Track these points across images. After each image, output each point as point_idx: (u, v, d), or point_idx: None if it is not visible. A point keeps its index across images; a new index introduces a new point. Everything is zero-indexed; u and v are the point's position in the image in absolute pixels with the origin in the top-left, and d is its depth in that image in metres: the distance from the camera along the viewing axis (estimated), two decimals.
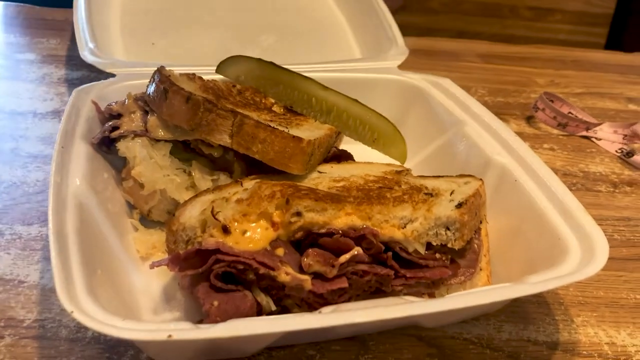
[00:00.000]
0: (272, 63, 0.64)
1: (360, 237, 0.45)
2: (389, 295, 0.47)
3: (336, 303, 0.45)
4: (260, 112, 0.58)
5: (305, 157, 0.52)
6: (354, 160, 0.61)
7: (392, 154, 0.63)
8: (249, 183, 0.50)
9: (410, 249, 0.47)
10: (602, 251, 0.46)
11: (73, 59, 0.89)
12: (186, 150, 0.57)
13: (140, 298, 0.51)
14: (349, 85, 0.67)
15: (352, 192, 0.50)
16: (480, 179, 0.55)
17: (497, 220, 0.55)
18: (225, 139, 0.53)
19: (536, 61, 1.03)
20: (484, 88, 0.93)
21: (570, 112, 0.86)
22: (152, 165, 0.56)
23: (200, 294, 0.43)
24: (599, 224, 0.49)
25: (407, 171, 0.59)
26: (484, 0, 1.69)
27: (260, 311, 0.44)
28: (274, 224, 0.45)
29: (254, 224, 0.45)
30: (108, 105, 0.60)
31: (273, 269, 0.43)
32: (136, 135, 0.57)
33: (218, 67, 0.66)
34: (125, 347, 0.48)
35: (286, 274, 0.43)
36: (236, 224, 0.45)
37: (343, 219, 0.45)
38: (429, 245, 0.48)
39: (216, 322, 0.40)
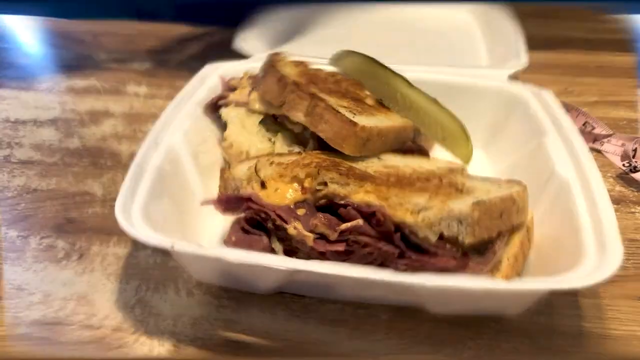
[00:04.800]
0: (373, 59, 0.72)
1: (371, 214, 0.50)
2: None
3: None
4: (344, 100, 0.65)
5: (357, 140, 0.59)
6: (427, 156, 0.65)
7: (457, 153, 0.67)
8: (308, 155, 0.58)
9: (421, 235, 0.49)
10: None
11: (86, 68, 0.95)
12: (275, 124, 0.66)
13: (203, 232, 0.59)
14: (458, 89, 0.75)
15: (390, 177, 0.55)
16: (524, 185, 0.55)
17: (547, 229, 0.56)
18: (300, 117, 0.61)
19: (555, 68, 0.98)
20: None
21: (586, 123, 0.81)
22: (241, 129, 0.66)
23: (231, 231, 0.53)
24: None
25: (462, 170, 0.60)
26: None
27: None
28: (303, 189, 0.52)
29: (287, 185, 0.52)
30: (229, 79, 0.72)
31: (286, 222, 0.50)
32: (237, 105, 0.68)
33: (330, 59, 0.75)
34: None
35: (294, 229, 0.50)
36: (272, 182, 0.52)
37: (361, 195, 0.50)
38: (447, 238, 0.50)
39: None
